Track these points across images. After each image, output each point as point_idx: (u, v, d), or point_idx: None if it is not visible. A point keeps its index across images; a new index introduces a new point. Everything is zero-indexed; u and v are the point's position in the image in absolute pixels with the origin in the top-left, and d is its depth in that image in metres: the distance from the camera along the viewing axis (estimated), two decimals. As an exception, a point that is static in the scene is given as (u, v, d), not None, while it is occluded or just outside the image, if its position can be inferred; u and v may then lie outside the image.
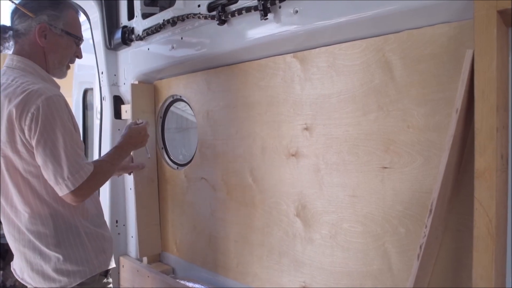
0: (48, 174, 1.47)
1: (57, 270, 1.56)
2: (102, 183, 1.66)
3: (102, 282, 1.67)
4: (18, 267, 1.67)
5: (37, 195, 1.54)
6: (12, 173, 1.53)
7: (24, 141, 1.47)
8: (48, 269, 1.57)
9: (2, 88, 1.50)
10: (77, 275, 1.58)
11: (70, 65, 1.72)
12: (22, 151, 1.49)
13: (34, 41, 1.57)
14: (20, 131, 1.46)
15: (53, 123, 1.45)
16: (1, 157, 1.52)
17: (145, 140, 1.92)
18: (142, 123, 1.93)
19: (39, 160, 1.47)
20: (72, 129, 1.52)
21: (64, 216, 1.58)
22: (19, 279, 1.67)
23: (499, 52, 0.97)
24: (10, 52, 1.61)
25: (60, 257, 1.56)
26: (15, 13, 1.58)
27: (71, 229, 1.59)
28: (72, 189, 1.46)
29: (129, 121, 2.13)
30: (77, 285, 1.58)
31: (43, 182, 1.52)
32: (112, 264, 1.73)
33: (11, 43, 1.60)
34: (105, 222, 1.78)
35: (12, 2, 1.58)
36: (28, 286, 1.65)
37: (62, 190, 1.47)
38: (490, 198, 0.96)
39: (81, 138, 1.66)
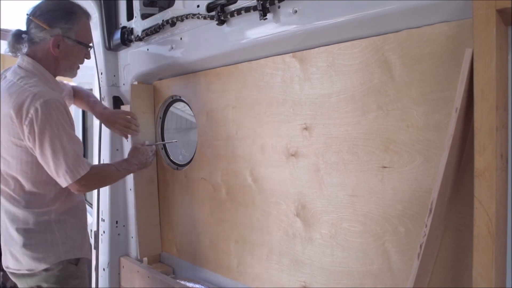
0: (49, 169, 1.64)
1: (24, 254, 1.70)
2: (105, 182, 1.97)
3: (69, 270, 1.75)
4: (3, 256, 1.80)
5: (18, 181, 1.70)
6: (5, 161, 1.69)
7: (22, 137, 1.61)
8: (17, 252, 1.71)
9: (8, 85, 1.65)
10: (42, 261, 1.70)
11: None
12: (19, 145, 1.64)
13: (48, 50, 1.70)
14: (20, 129, 1.60)
15: (52, 124, 1.58)
16: (1, 147, 1.68)
17: (148, 162, 2.11)
18: (150, 145, 2.15)
19: (39, 156, 1.62)
20: (71, 130, 1.65)
21: (38, 201, 1.71)
22: (4, 269, 1.80)
23: (499, 51, 0.97)
24: (23, 53, 1.73)
25: (28, 241, 1.69)
26: (31, 21, 1.70)
27: (41, 215, 1.71)
28: (70, 182, 1.64)
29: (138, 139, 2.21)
30: (43, 270, 1.70)
31: (27, 175, 1.68)
32: (83, 254, 1.82)
33: (25, 45, 1.72)
34: (82, 213, 1.90)
35: (27, 15, 1.69)
36: (8, 271, 1.78)
37: (62, 183, 1.66)
38: (490, 197, 0.96)
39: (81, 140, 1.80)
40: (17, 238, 1.69)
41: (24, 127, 1.57)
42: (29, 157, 1.65)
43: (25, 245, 1.69)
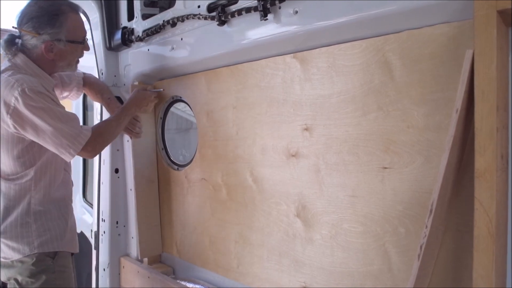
0: (51, 148, 1.67)
1: (1, 242, 1.73)
2: (109, 139, 1.92)
3: (45, 263, 1.75)
4: None
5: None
6: None
7: (7, 127, 1.65)
8: None
9: None
10: (16, 251, 1.72)
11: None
12: (3, 133, 1.68)
13: (42, 54, 1.72)
14: (5, 121, 1.64)
15: (36, 107, 1.60)
16: None
17: (149, 104, 2.14)
18: (152, 91, 2.18)
19: (37, 139, 1.65)
20: (55, 107, 1.65)
21: (16, 194, 1.74)
22: None
23: (499, 52, 0.97)
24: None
25: (4, 229, 1.72)
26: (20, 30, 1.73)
27: (19, 204, 1.74)
28: (75, 154, 1.67)
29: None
30: (18, 261, 1.72)
31: (7, 166, 1.73)
32: (62, 248, 1.81)
33: (19, 47, 1.73)
34: (66, 207, 1.89)
35: (14, 27, 1.72)
36: None
37: (67, 157, 1.69)
38: (490, 198, 0.96)
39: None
40: None
41: (8, 117, 1.61)
42: (9, 146, 1.69)
43: (1, 233, 1.73)
